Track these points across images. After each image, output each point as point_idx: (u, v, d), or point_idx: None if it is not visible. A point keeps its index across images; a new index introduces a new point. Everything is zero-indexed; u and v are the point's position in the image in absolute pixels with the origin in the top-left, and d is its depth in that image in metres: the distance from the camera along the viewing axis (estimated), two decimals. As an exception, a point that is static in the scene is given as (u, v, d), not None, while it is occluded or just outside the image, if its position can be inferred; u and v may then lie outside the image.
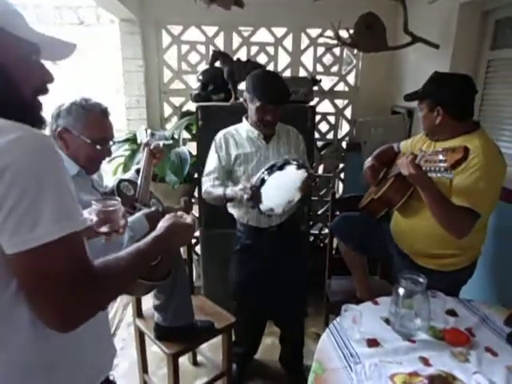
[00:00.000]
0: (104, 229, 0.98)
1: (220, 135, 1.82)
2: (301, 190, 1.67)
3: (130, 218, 1.24)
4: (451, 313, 1.39)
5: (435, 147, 1.59)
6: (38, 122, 0.76)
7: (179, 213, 0.98)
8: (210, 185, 1.80)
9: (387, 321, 1.33)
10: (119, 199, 1.08)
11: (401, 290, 1.28)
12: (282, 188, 1.65)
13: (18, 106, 0.71)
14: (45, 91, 0.76)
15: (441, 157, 1.26)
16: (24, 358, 0.70)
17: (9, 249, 0.61)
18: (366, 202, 1.82)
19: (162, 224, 0.91)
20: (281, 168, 1.57)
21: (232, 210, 1.90)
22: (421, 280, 1.28)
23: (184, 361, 2.19)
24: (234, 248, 1.95)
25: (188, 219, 0.95)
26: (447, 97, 1.49)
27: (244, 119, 1.82)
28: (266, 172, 1.57)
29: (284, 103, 1.69)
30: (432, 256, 1.58)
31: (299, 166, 1.60)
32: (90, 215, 0.97)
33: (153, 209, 1.42)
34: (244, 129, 1.80)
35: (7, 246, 0.61)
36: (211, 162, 1.83)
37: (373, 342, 1.22)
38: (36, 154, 0.61)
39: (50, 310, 0.64)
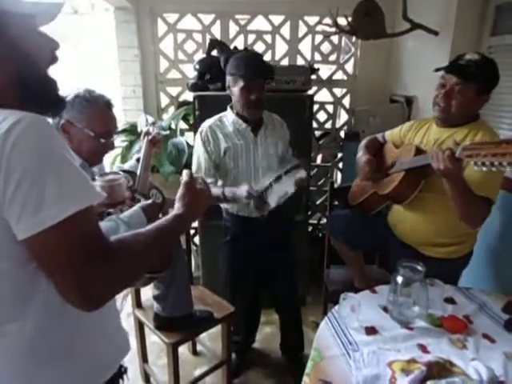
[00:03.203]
0: (111, 202, 1.00)
1: (205, 128, 1.73)
2: (295, 184, 1.62)
3: (126, 213, 1.24)
4: (449, 300, 1.40)
5: (429, 135, 1.59)
6: (58, 99, 0.75)
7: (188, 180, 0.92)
8: None
9: (385, 309, 1.34)
10: (121, 173, 1.09)
11: (399, 278, 1.28)
12: (281, 187, 1.65)
13: (39, 83, 0.70)
14: (55, 59, 0.74)
15: (495, 150, 1.13)
16: (48, 336, 0.71)
17: (20, 234, 0.61)
18: (364, 198, 1.79)
19: (181, 201, 0.87)
20: (286, 173, 1.63)
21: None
22: (419, 268, 1.28)
23: (184, 350, 2.21)
24: (223, 239, 1.94)
25: (200, 184, 0.92)
26: (494, 84, 1.46)
27: (229, 108, 1.75)
28: (273, 181, 1.62)
29: (267, 77, 1.63)
30: (440, 245, 1.58)
31: (298, 167, 1.65)
32: None
33: (149, 201, 1.41)
34: (230, 121, 1.72)
35: (19, 231, 0.61)
36: (199, 156, 1.75)
37: (371, 330, 1.23)
38: (33, 135, 0.61)
39: (70, 288, 0.64)
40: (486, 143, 1.18)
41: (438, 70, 1.51)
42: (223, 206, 1.89)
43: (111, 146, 1.36)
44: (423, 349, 1.15)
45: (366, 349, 1.13)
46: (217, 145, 1.72)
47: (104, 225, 1.06)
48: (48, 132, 0.64)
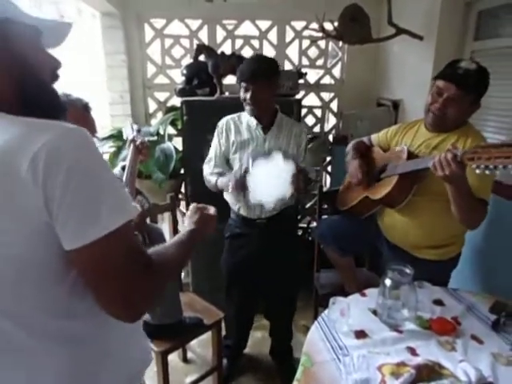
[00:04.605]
0: None
1: (223, 121, 1.86)
2: (292, 184, 1.60)
3: None
4: (438, 302, 1.40)
5: (418, 138, 1.60)
6: (62, 109, 0.76)
7: (201, 205, 1.01)
8: (208, 172, 1.87)
9: (375, 312, 1.33)
10: (124, 179, 1.07)
11: (387, 281, 1.28)
12: (270, 180, 1.63)
13: (41, 93, 0.70)
14: (57, 77, 0.75)
15: (499, 154, 1.11)
16: (86, 346, 0.71)
17: (71, 244, 0.61)
18: (355, 203, 1.78)
19: (191, 219, 0.94)
20: (265, 156, 1.62)
21: (226, 196, 1.92)
22: (407, 271, 1.29)
23: (174, 358, 2.18)
24: (225, 234, 1.98)
25: (211, 210, 0.99)
26: (485, 93, 1.46)
27: None
28: (250, 159, 1.63)
29: (259, 78, 1.67)
30: (432, 247, 1.59)
31: (286, 157, 1.60)
32: None
33: (136, 205, 1.41)
34: (246, 118, 1.83)
35: (70, 241, 0.61)
36: (212, 148, 1.88)
37: (360, 334, 1.23)
38: (82, 148, 0.62)
39: (115, 298, 0.65)
40: (487, 146, 1.17)
41: (436, 77, 1.50)
42: (230, 203, 1.92)
43: None
44: (412, 352, 1.15)
45: (356, 353, 1.13)
46: (228, 138, 1.83)
47: None
48: (94, 144, 0.65)
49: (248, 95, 1.70)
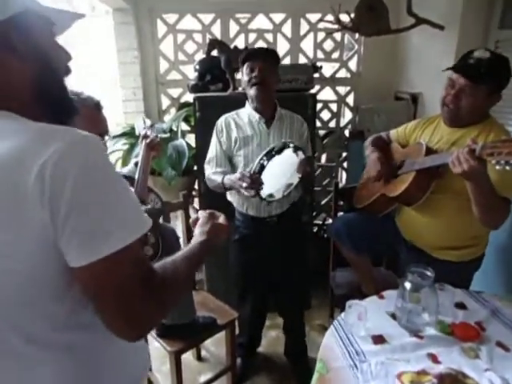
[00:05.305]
0: None
1: (221, 119, 1.82)
2: (298, 171, 1.64)
3: None
4: (460, 306, 1.34)
5: (437, 133, 1.53)
6: (74, 110, 0.73)
7: (211, 211, 0.97)
8: (211, 172, 1.81)
9: (393, 316, 1.28)
10: (136, 176, 1.06)
11: (407, 284, 1.23)
12: (280, 172, 1.63)
13: (57, 89, 0.68)
14: (69, 71, 0.72)
15: None
16: (88, 355, 0.69)
17: (76, 262, 0.57)
18: (372, 201, 1.72)
19: (203, 229, 0.90)
20: (279, 152, 1.57)
21: (231, 198, 1.88)
22: (428, 273, 1.23)
23: (188, 356, 2.17)
24: (232, 237, 1.92)
25: (221, 218, 0.96)
26: (506, 83, 1.38)
27: (247, 103, 1.81)
28: (264, 158, 1.56)
29: (266, 57, 1.70)
30: (452, 248, 1.53)
31: (296, 149, 1.60)
32: None
33: (149, 206, 1.38)
34: (246, 113, 1.80)
35: (75, 258, 0.57)
36: (212, 147, 1.83)
37: (379, 339, 1.18)
38: (91, 159, 0.57)
39: (119, 317, 0.62)
40: (508, 140, 1.11)
41: (446, 69, 1.45)
42: (235, 204, 1.88)
43: None
44: (434, 358, 1.10)
45: (374, 359, 1.08)
46: (229, 136, 1.78)
47: None
48: (105, 154, 0.61)
49: (254, 73, 1.67)
